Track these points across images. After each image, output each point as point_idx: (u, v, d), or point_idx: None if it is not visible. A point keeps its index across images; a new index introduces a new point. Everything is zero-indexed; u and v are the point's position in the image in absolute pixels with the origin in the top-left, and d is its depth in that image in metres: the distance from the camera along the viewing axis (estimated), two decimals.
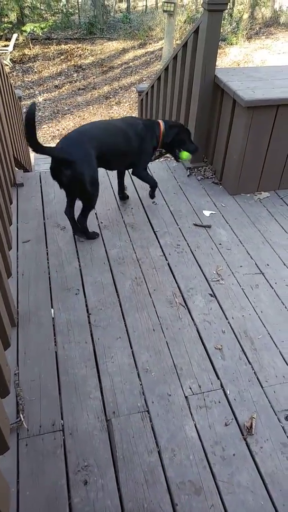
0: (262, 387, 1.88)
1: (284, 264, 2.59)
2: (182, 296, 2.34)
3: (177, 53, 3.42)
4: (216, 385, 1.89)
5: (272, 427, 1.74)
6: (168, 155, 3.19)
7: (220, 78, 2.99)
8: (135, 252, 2.62)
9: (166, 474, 1.57)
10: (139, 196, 3.15)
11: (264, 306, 2.30)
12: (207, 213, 3.01)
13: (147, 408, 1.78)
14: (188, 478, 1.56)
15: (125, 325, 2.14)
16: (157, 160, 3.57)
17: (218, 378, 1.92)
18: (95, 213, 2.93)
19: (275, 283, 2.45)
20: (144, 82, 9.21)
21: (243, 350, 2.06)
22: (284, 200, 3.17)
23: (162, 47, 10.83)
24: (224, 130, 3.12)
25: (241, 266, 2.56)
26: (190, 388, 1.87)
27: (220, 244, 2.73)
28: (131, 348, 2.04)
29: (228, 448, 1.66)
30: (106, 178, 3.32)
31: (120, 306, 2.24)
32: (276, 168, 3.14)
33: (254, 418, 1.75)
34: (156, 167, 3.53)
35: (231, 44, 12.49)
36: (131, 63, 10.47)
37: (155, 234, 2.79)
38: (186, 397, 1.84)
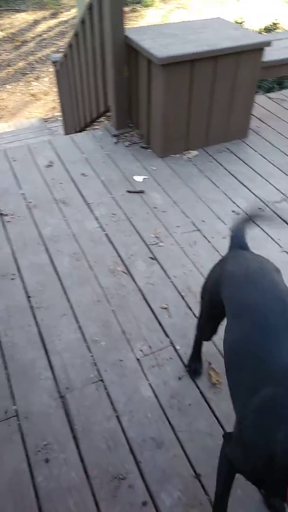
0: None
1: (219, 218, 2.64)
2: (124, 263, 2.33)
3: (84, 17, 3.28)
4: (166, 343, 1.93)
5: (223, 373, 1.80)
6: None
7: (132, 38, 2.91)
8: (70, 228, 2.56)
9: (127, 436, 1.60)
10: (67, 169, 3.05)
11: (204, 261, 2.34)
12: (139, 178, 2.98)
13: (101, 377, 1.79)
14: (149, 435, 1.60)
15: (69, 302, 2.10)
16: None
17: (167, 336, 1.96)
18: (22, 193, 2.81)
19: (212, 237, 2.50)
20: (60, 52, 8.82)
21: (188, 305, 2.10)
22: (213, 157, 3.20)
23: (76, 15, 10.36)
24: (144, 91, 3.07)
25: (178, 226, 2.58)
26: (141, 351, 1.89)
27: (156, 207, 2.73)
28: (78, 323, 2.01)
29: (183, 399, 1.71)
30: (29, 156, 3.19)
31: (61, 284, 2.20)
32: (201, 126, 3.15)
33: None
34: (80, 138, 3.43)
35: (147, 6, 12.19)
36: (45, 35, 9.95)
37: (89, 206, 2.73)
38: (138, 359, 1.86)
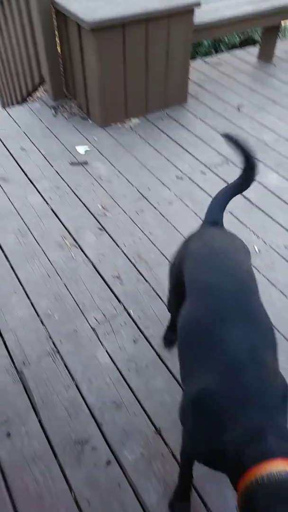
0: (161, 299, 1.98)
1: (164, 185, 2.66)
2: (72, 236, 2.31)
3: None
4: (119, 309, 1.95)
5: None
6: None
7: (57, 1, 2.78)
8: (12, 205, 2.48)
9: (87, 402, 1.62)
10: (4, 145, 2.93)
11: (151, 227, 2.37)
12: (81, 149, 2.92)
13: (57, 349, 1.79)
14: (109, 398, 1.63)
15: (18, 279, 2.06)
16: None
17: (121, 303, 1.98)
18: None
19: (158, 203, 2.52)
20: None
21: (139, 271, 2.13)
22: (155, 124, 3.19)
23: None
24: (77, 59, 2.97)
25: (124, 195, 2.57)
26: (95, 319, 1.91)
27: (100, 178, 2.70)
28: (29, 299, 1.99)
29: (140, 361, 1.76)
30: None
31: (8, 262, 2.14)
32: (139, 92, 3.11)
33: None
34: (16, 111, 3.29)
35: None
36: None
37: (31, 181, 2.65)
38: (92, 328, 1.87)
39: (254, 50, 4.10)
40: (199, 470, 1.25)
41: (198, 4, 2.82)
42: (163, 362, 1.75)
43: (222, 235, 1.37)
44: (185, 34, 2.96)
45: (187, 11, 2.85)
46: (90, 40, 2.71)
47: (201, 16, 3.07)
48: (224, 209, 1.43)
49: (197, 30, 3.04)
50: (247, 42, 4.84)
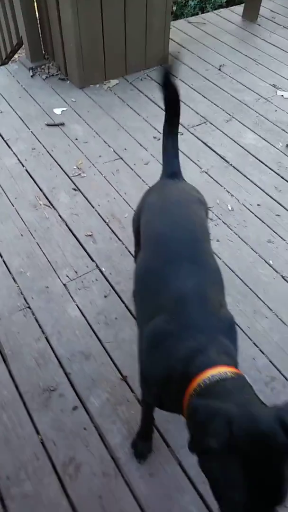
0: (133, 256, 2.00)
1: (141, 145, 2.63)
2: (46, 197, 2.30)
3: None
4: (91, 267, 1.97)
5: None
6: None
7: None
8: None
9: (56, 353, 1.66)
10: None
11: (127, 188, 2.36)
12: (58, 111, 2.87)
13: (28, 305, 1.81)
14: (78, 349, 1.67)
15: None
16: None
17: (93, 260, 2.00)
18: None
19: (134, 164, 2.50)
20: None
21: (112, 231, 2.14)
22: (134, 85, 3.12)
23: None
24: (54, 15, 2.88)
25: (100, 156, 2.55)
26: (67, 276, 1.93)
27: (77, 139, 2.66)
28: (1, 257, 2.00)
29: (110, 315, 1.79)
30: None
31: None
32: (118, 52, 3.03)
33: None
34: None
35: None
36: None
37: (6, 142, 2.62)
38: (64, 284, 1.89)
39: (239, 9, 3.98)
40: (162, 412, 1.30)
41: None
42: (132, 315, 1.79)
43: (178, 188, 1.40)
44: None
45: None
46: None
47: None
48: (177, 155, 1.45)
49: None
50: (233, 1, 4.68)
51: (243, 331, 1.75)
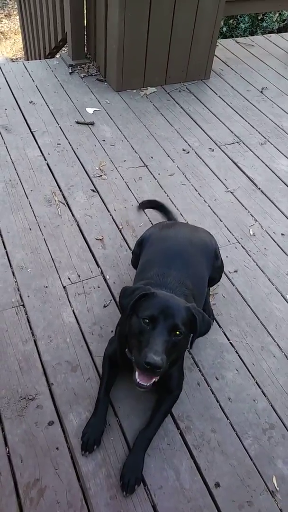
0: None
1: (168, 156, 2.53)
2: (62, 194, 2.21)
3: None
4: (96, 272, 1.85)
5: None
6: None
7: None
8: (9, 154, 2.39)
9: (42, 359, 1.54)
10: (14, 96, 2.83)
11: (147, 196, 2.25)
12: (90, 110, 2.80)
13: (22, 302, 1.70)
14: (65, 359, 1.55)
15: None
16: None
17: (98, 266, 1.88)
18: None
19: (158, 174, 2.40)
20: None
21: (124, 238, 2.02)
22: (171, 95, 3.04)
23: None
24: (101, 19, 2.83)
25: (124, 161, 2.46)
26: (69, 279, 1.81)
27: (104, 140, 2.58)
28: (5, 248, 1.90)
29: (106, 326, 1.66)
30: None
31: None
32: (161, 60, 2.96)
33: None
34: (33, 65, 3.18)
35: None
36: None
37: (33, 134, 2.55)
38: (64, 287, 1.78)
39: None
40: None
41: None
42: None
43: (183, 225, 1.77)
44: (215, 2, 2.78)
45: None
46: None
47: None
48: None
49: (230, 2, 2.87)
50: (285, 28, 4.61)
51: (247, 368, 1.60)
